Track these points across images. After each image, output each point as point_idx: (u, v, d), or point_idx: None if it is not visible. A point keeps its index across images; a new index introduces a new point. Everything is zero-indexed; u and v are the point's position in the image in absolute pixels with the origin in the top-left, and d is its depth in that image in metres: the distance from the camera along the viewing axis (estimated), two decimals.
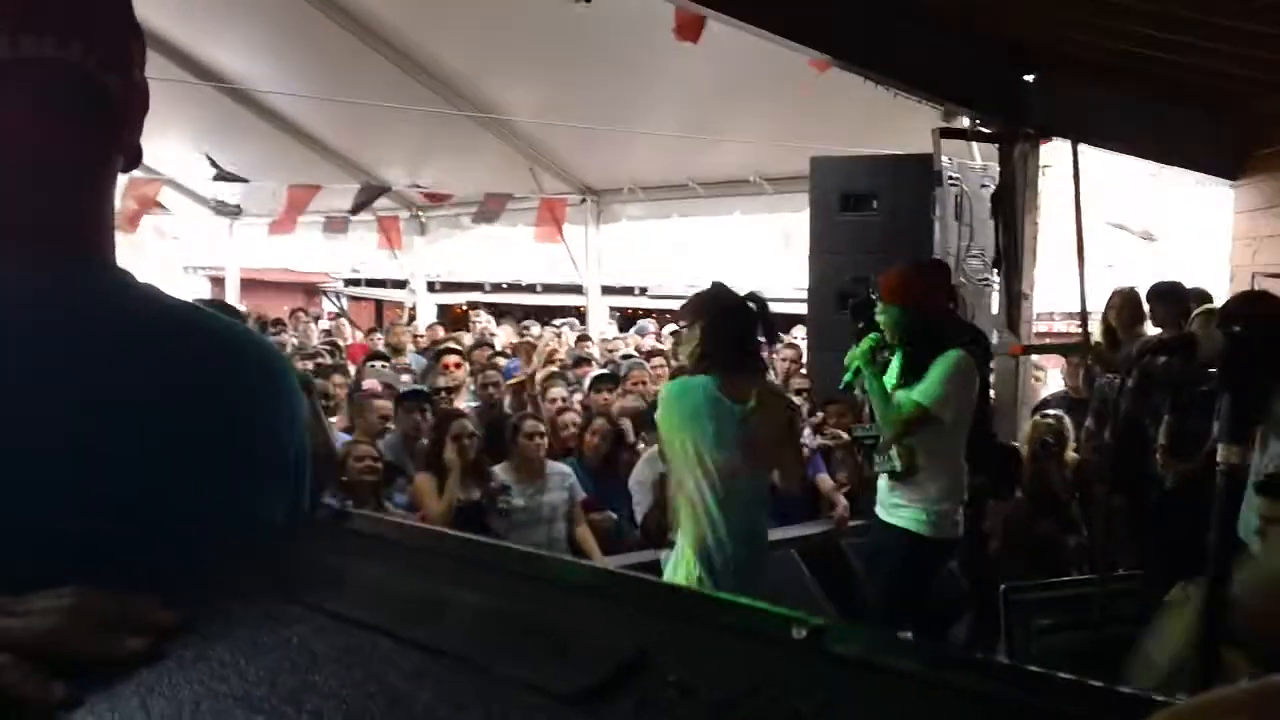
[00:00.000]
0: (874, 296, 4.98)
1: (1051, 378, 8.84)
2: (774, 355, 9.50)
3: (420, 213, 13.50)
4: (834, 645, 0.82)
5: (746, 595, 0.83)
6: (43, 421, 0.96)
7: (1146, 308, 6.66)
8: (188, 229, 15.30)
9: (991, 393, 6.75)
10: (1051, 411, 6.28)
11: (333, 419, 6.57)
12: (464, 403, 7.43)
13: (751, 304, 4.31)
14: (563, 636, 0.86)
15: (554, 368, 8.42)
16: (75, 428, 0.97)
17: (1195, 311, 6.38)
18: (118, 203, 1.18)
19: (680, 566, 4.15)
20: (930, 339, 4.71)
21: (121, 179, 1.17)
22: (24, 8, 1.02)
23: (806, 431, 7.14)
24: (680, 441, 4.11)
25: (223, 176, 12.68)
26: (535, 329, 11.57)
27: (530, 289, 17.10)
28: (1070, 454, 6.15)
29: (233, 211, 13.38)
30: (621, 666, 0.78)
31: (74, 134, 1.06)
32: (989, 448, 5.47)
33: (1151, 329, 6.64)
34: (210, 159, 12.53)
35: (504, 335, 11.86)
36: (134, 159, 1.14)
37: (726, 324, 4.26)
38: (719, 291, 4.41)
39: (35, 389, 0.97)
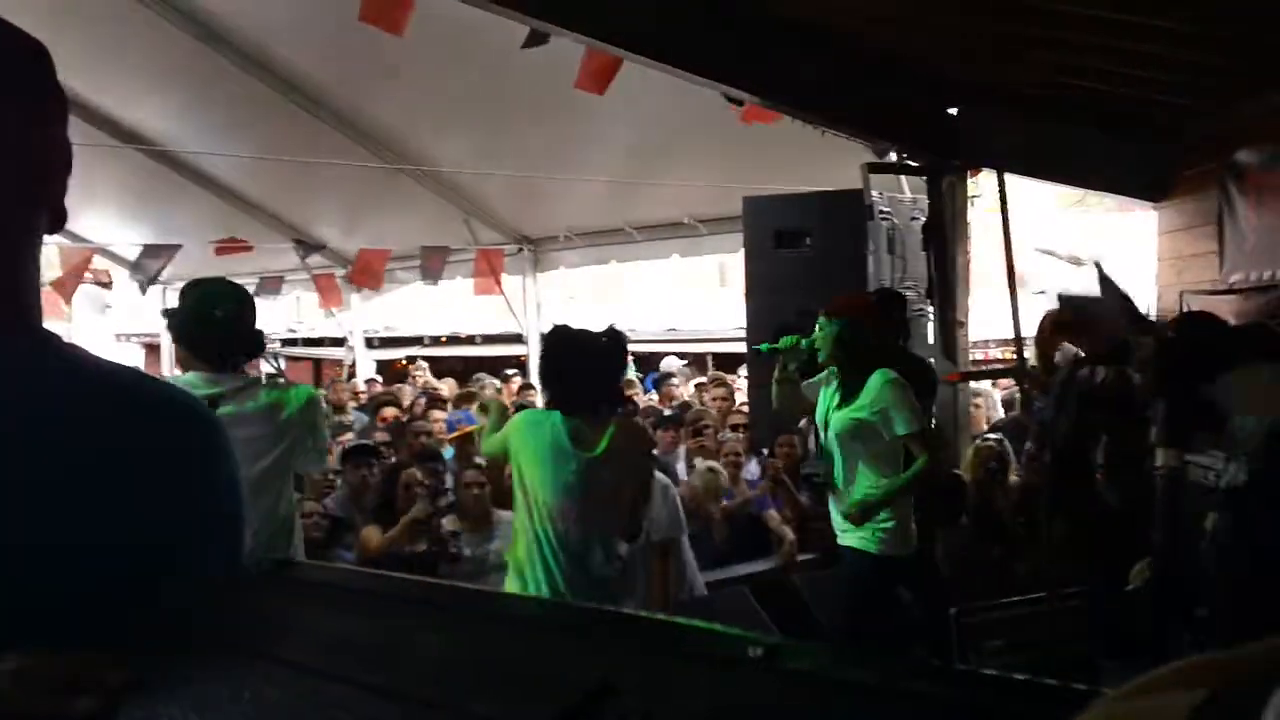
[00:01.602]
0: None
1: (995, 404, 8.96)
2: (704, 395, 9.56)
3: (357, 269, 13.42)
4: (789, 662, 0.83)
5: None
6: None
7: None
8: (118, 296, 15.10)
9: (933, 423, 6.83)
10: (992, 436, 6.36)
11: None
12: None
13: (606, 340, 4.26)
14: (524, 671, 0.86)
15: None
16: (12, 490, 0.96)
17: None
18: (52, 273, 1.18)
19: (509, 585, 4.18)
20: (865, 357, 4.78)
21: (52, 249, 1.16)
22: None
23: (752, 465, 7.19)
24: (519, 472, 4.10)
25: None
26: (487, 380, 11.52)
27: (470, 340, 17.06)
28: (1013, 478, 6.22)
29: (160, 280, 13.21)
30: (586, 697, 0.78)
31: None
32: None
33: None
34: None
35: (446, 388, 11.82)
36: (58, 220, 1.12)
37: (570, 367, 4.22)
38: (572, 334, 4.32)
39: None
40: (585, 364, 4.21)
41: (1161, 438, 2.13)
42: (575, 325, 4.36)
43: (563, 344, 4.29)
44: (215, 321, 3.77)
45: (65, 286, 11.37)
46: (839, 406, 4.81)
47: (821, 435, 5.00)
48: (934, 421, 5.95)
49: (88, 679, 0.81)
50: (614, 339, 4.28)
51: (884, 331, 5.29)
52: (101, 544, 0.99)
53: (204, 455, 1.15)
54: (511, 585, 4.14)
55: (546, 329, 12.34)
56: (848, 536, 4.78)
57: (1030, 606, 4.49)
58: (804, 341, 4.95)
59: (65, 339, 1.12)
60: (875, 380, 4.68)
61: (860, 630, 4.65)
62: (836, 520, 4.88)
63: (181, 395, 1.22)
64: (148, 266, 12.31)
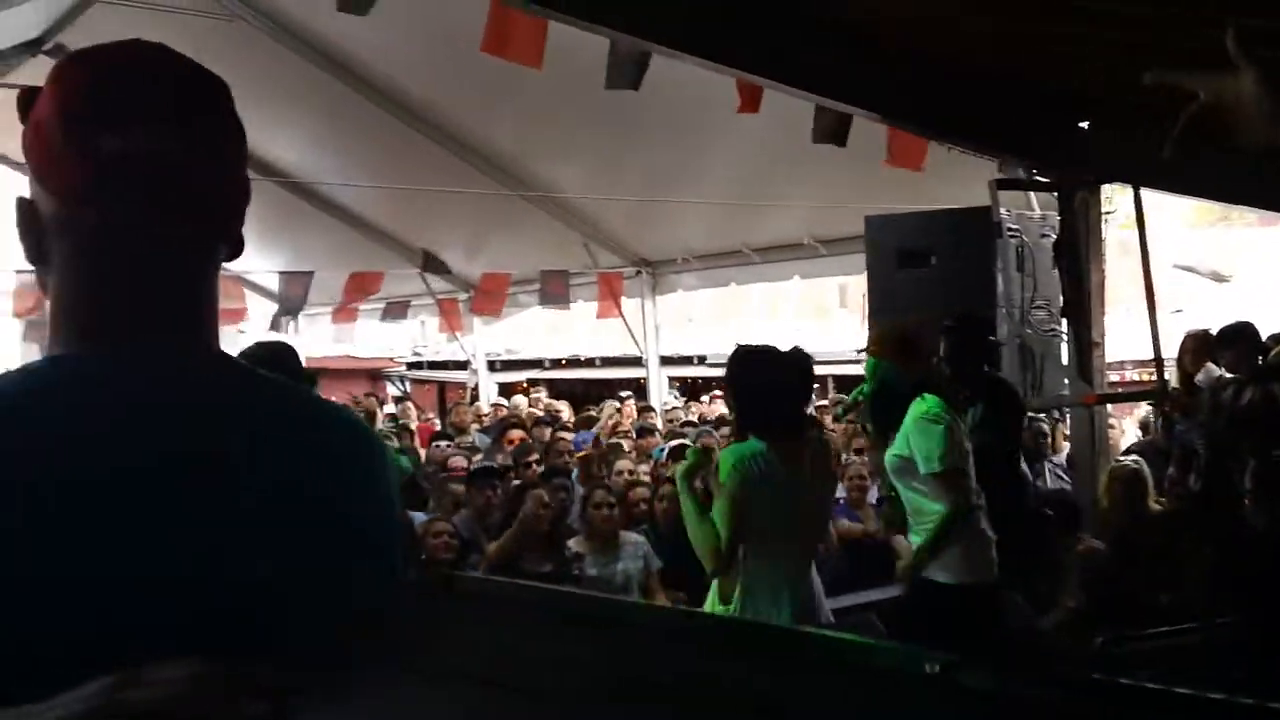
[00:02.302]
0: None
1: (1128, 428, 8.72)
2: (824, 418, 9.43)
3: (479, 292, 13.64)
4: (966, 679, 0.80)
5: None
6: (166, 504, 0.99)
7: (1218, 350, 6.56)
8: (252, 324, 15.57)
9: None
10: (1128, 458, 6.15)
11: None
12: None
13: (793, 361, 4.20)
14: (694, 688, 0.85)
15: (618, 439, 8.44)
16: (196, 506, 1.00)
17: (1274, 351, 6.27)
18: None
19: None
20: (895, 393, 4.70)
21: None
22: (130, 107, 1.05)
23: (874, 491, 7.09)
24: (739, 502, 3.94)
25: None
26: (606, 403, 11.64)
27: (589, 363, 17.19)
28: (1154, 504, 6.02)
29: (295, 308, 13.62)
30: (755, 713, 0.76)
31: (178, 229, 1.09)
32: (1017, 514, 5.33)
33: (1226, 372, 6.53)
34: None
35: (566, 410, 11.96)
36: (236, 250, 1.17)
37: (765, 390, 4.12)
38: (749, 353, 4.27)
39: (159, 475, 0.99)
40: (779, 385, 4.14)
41: None
42: (757, 345, 4.33)
43: (754, 365, 4.22)
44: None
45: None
46: (890, 443, 4.72)
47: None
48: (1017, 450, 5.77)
49: (260, 685, 0.84)
50: (801, 358, 4.25)
51: (960, 358, 5.20)
52: (276, 560, 1.01)
53: (372, 473, 1.17)
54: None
55: (664, 351, 12.38)
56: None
57: (1179, 637, 4.32)
58: (857, 394, 4.88)
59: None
60: (909, 414, 4.58)
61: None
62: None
63: (348, 414, 1.27)
64: (288, 296, 12.73)
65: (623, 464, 7.24)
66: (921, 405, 4.57)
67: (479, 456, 8.30)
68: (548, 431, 9.23)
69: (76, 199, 1.05)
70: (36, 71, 9.48)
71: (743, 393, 4.27)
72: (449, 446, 9.13)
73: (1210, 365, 6.73)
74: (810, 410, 4.36)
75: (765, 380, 4.14)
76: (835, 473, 4.31)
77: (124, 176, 1.04)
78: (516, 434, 8.85)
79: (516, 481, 6.72)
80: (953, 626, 4.56)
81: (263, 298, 14.37)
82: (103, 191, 1.04)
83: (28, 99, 1.09)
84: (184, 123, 1.07)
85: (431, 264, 12.89)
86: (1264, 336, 6.56)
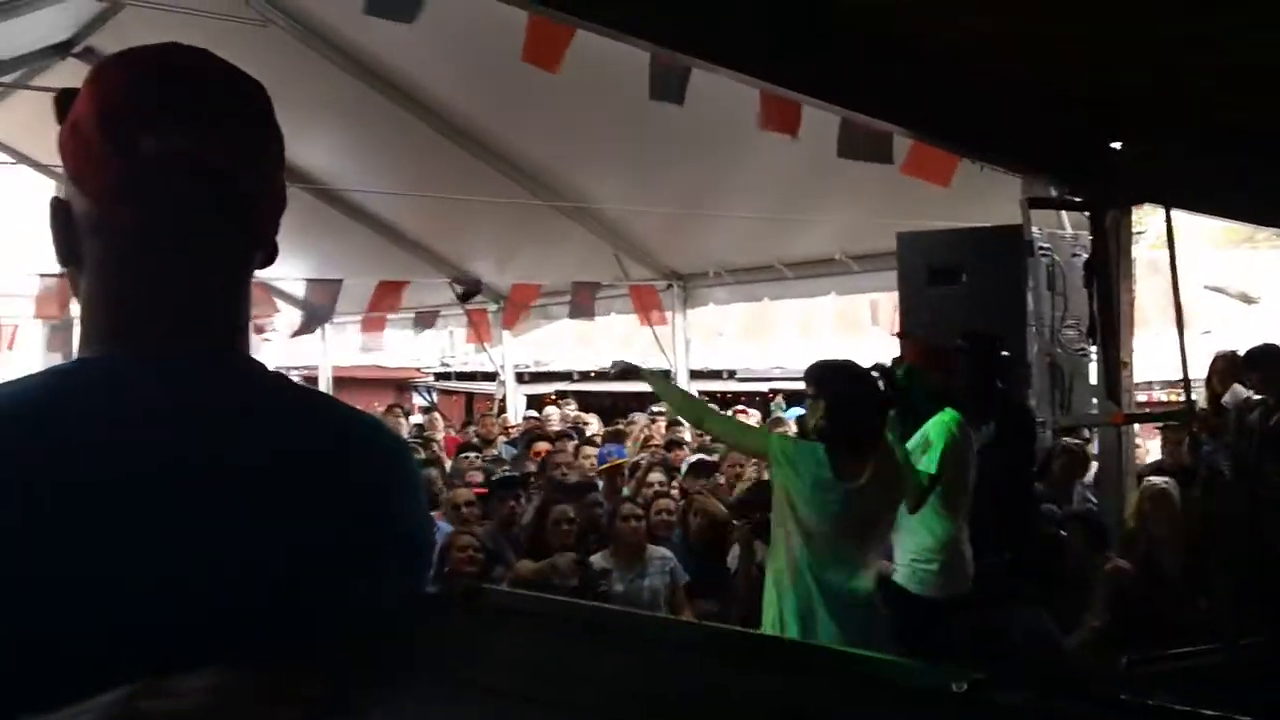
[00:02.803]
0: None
1: (1153, 448, 8.65)
2: None
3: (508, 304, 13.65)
4: (995, 698, 0.80)
5: None
6: (196, 511, 0.99)
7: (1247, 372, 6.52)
8: (279, 330, 15.62)
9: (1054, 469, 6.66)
10: (1158, 478, 6.09)
11: (432, 511, 6.63)
12: None
13: (876, 375, 4.48)
14: (712, 701, 0.85)
15: (648, 454, 8.43)
16: (226, 517, 1.00)
17: None
18: None
19: (767, 609, 4.31)
20: (918, 403, 4.85)
21: None
22: (169, 109, 1.06)
23: None
24: (783, 493, 4.24)
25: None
26: (639, 419, 11.61)
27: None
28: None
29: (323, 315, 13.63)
30: None
31: (214, 232, 1.10)
32: (1025, 526, 5.36)
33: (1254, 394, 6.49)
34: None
35: (595, 423, 11.93)
36: (270, 256, 1.17)
37: (843, 401, 4.37)
38: (840, 367, 4.54)
39: (183, 480, 0.99)
40: (841, 396, 4.39)
41: None
42: (835, 359, 4.65)
43: (826, 378, 4.51)
44: None
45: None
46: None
47: None
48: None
49: (287, 692, 0.83)
50: (875, 374, 4.52)
51: (973, 376, 5.28)
52: (298, 568, 1.01)
53: (400, 482, 1.17)
54: (769, 608, 4.31)
55: (694, 365, 12.36)
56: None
57: (1205, 657, 4.29)
58: None
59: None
60: (930, 421, 4.87)
61: None
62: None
63: (375, 422, 1.25)
64: (316, 304, 12.74)
65: (654, 476, 7.24)
66: (944, 416, 4.81)
67: (504, 468, 8.30)
68: (571, 445, 9.23)
69: (113, 199, 1.05)
70: (65, 75, 9.55)
71: (810, 400, 4.60)
72: (475, 457, 9.15)
73: (1238, 387, 6.69)
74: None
75: (830, 391, 4.42)
76: (899, 488, 4.38)
77: (161, 178, 1.04)
78: (543, 446, 8.85)
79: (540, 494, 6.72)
80: (922, 637, 4.73)
81: (288, 304, 14.40)
82: (139, 193, 1.05)
83: (66, 100, 1.09)
84: (223, 126, 1.08)
85: (461, 283, 12.83)
86: None
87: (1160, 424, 7.70)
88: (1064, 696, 0.83)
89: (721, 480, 7.30)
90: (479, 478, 7.78)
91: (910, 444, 4.79)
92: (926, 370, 4.98)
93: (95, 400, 1.02)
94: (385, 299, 12.82)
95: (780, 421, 10.01)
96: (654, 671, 0.95)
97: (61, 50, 10.21)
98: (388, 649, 1.02)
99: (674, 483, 7.30)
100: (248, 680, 0.83)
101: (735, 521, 5.51)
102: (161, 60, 1.10)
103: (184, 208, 1.07)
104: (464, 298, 12.96)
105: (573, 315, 12.65)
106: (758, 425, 4.58)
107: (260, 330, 13.67)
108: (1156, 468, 7.51)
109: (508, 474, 7.03)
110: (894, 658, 0.91)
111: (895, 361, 5.07)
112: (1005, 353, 5.55)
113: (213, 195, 1.07)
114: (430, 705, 0.88)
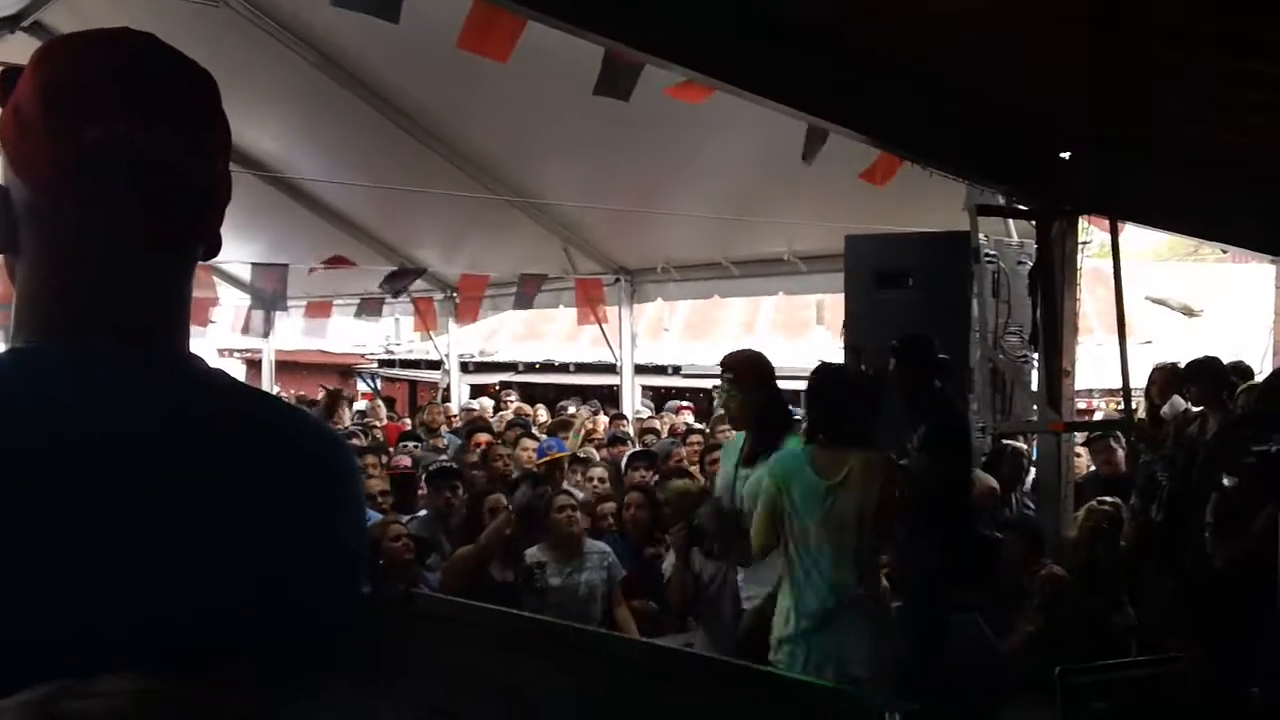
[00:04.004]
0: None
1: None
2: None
3: (455, 294, 13.59)
4: None
5: (848, 653, 0.79)
6: (124, 510, 0.96)
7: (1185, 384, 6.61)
8: (224, 313, 15.46)
9: (989, 477, 6.70)
10: (1109, 500, 6.12)
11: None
12: None
13: (840, 377, 4.71)
14: (641, 717, 0.84)
15: (591, 447, 8.42)
16: (155, 517, 0.97)
17: (1240, 387, 6.32)
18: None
19: (779, 617, 4.44)
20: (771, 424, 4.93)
21: None
22: (116, 98, 1.03)
23: None
24: (776, 500, 4.40)
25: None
26: (572, 409, 11.61)
27: (563, 369, 17.18)
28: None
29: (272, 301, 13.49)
30: None
31: (157, 224, 1.07)
32: (966, 537, 5.36)
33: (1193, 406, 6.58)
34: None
35: (545, 415, 11.95)
36: (213, 248, 1.15)
37: (823, 397, 4.59)
38: (820, 366, 4.76)
39: (116, 480, 0.97)
40: (824, 396, 4.61)
41: None
42: (831, 361, 4.97)
43: (817, 377, 4.71)
44: None
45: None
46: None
47: None
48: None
49: (208, 706, 0.80)
50: (844, 375, 4.81)
51: (904, 379, 5.24)
52: (228, 570, 0.99)
53: (338, 484, 1.15)
54: (782, 611, 4.45)
55: (640, 360, 12.40)
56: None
57: (1137, 669, 4.35)
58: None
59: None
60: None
61: None
62: None
63: (315, 423, 1.23)
64: (261, 289, 12.59)
65: (595, 472, 7.22)
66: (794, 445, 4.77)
67: (442, 457, 8.25)
68: (516, 435, 9.20)
69: (55, 188, 1.03)
70: (14, 49, 9.35)
71: (807, 401, 4.81)
72: (416, 447, 9.10)
73: (1177, 398, 6.79)
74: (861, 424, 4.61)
75: (815, 391, 4.65)
76: (880, 485, 4.43)
77: (106, 168, 1.02)
78: (484, 437, 8.82)
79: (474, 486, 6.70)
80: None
81: (234, 289, 14.26)
82: (83, 183, 1.02)
83: (8, 80, 1.06)
84: (170, 117, 1.05)
85: (397, 278, 12.73)
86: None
87: (1091, 436, 7.77)
88: None
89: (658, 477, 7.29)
90: (407, 461, 7.75)
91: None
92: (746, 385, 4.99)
93: (26, 394, 0.99)
94: (331, 279, 12.75)
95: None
96: (582, 684, 0.93)
97: (10, 24, 9.99)
98: (319, 657, 1.00)
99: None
100: (171, 687, 0.80)
101: (670, 531, 5.45)
102: (110, 46, 1.07)
103: (127, 199, 1.04)
104: (395, 294, 12.92)
105: (516, 306, 12.62)
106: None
107: (206, 311, 13.51)
108: (1093, 477, 7.61)
109: (441, 465, 6.97)
110: (830, 684, 0.90)
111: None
112: (943, 356, 5.53)
113: (158, 187, 1.05)
114: (359, 710, 0.85)
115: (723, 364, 5.08)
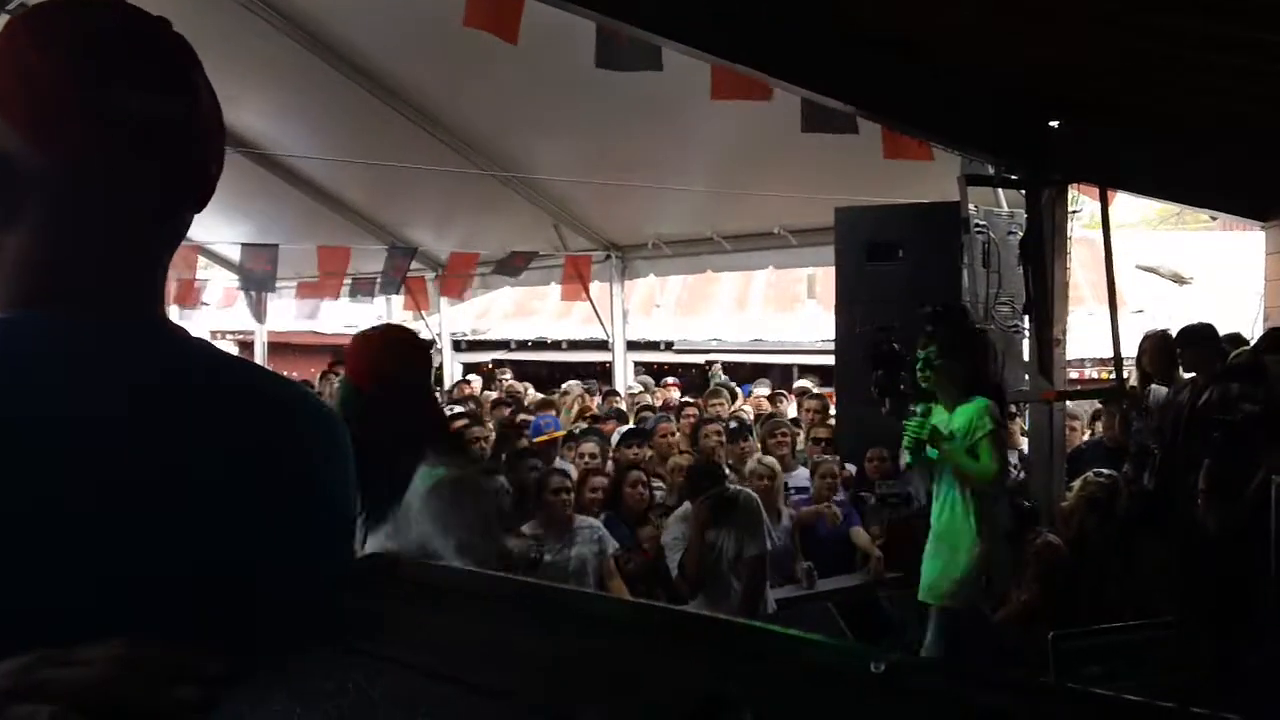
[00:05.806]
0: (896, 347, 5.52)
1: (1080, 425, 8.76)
2: (799, 404, 9.51)
3: (444, 274, 13.55)
4: (913, 679, 0.80)
5: None
6: (106, 477, 0.96)
7: (1178, 351, 6.61)
8: (214, 294, 15.42)
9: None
10: (1105, 471, 6.13)
11: None
12: None
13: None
14: (636, 679, 0.84)
15: (584, 424, 8.41)
16: (138, 483, 0.97)
17: (1232, 354, 6.33)
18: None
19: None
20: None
21: None
22: (131, 72, 1.03)
23: (801, 471, 7.17)
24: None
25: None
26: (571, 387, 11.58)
27: (556, 346, 17.17)
28: None
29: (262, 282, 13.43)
30: (698, 708, 0.76)
31: (160, 197, 1.08)
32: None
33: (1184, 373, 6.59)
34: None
35: (532, 392, 11.92)
36: (205, 199, 1.14)
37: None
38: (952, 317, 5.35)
39: (101, 447, 0.96)
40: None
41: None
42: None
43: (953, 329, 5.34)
44: None
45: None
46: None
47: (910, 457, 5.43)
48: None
49: (189, 669, 0.80)
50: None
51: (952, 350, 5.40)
52: (220, 536, 0.99)
53: (330, 455, 1.15)
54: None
55: (631, 336, 12.39)
56: None
57: (1128, 634, 4.37)
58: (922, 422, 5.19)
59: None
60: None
61: None
62: None
63: (301, 390, 1.22)
64: (250, 269, 12.54)
65: (586, 447, 7.21)
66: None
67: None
68: (507, 413, 9.19)
69: (69, 159, 1.02)
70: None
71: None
72: None
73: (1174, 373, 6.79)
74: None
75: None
76: None
77: (120, 141, 1.02)
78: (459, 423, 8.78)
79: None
80: None
81: (224, 269, 14.21)
82: (89, 153, 1.02)
83: None
84: (182, 92, 1.06)
85: (396, 259, 12.69)
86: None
87: (1101, 401, 7.79)
88: (978, 680, 0.83)
89: (650, 453, 7.29)
90: None
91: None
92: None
93: (17, 360, 0.98)
94: (330, 267, 12.70)
95: (718, 392, 10.02)
96: (571, 649, 0.93)
97: None
98: (307, 623, 1.00)
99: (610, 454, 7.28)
100: (153, 654, 0.80)
101: (689, 500, 5.56)
102: (111, 18, 1.06)
103: (135, 170, 1.04)
104: (397, 290, 12.92)
105: (498, 271, 12.49)
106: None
107: (196, 291, 13.46)
108: (1096, 444, 7.63)
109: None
110: (813, 636, 0.91)
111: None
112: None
113: (166, 160, 1.06)
114: (347, 677, 0.86)
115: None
